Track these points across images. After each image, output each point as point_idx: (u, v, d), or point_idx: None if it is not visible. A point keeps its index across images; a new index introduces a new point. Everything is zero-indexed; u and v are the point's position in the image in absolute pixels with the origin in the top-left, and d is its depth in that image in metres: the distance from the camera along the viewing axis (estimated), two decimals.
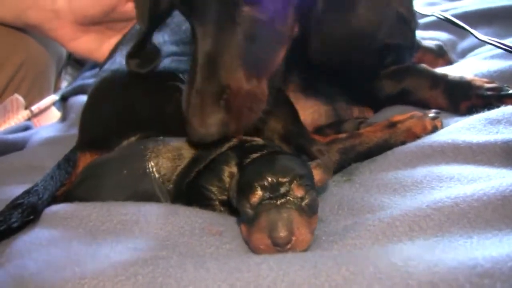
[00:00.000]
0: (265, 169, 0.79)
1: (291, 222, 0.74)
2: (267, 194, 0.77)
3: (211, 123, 0.90)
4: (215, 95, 0.91)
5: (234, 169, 0.89)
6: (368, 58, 1.11)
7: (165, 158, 0.94)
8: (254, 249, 0.77)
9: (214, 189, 0.90)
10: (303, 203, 0.77)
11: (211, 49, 0.93)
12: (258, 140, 0.94)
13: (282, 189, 0.77)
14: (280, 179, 0.77)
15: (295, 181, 0.78)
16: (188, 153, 0.95)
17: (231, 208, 0.88)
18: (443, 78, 1.20)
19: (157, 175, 0.93)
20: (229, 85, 0.92)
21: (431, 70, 1.25)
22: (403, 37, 1.27)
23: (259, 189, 0.77)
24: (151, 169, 0.93)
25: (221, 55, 0.93)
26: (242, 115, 0.93)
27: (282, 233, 0.73)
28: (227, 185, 0.89)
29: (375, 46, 1.09)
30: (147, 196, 0.93)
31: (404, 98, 1.21)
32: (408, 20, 1.29)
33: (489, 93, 1.13)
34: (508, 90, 1.12)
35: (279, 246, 0.74)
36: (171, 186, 0.93)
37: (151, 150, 0.95)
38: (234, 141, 0.93)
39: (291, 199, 0.77)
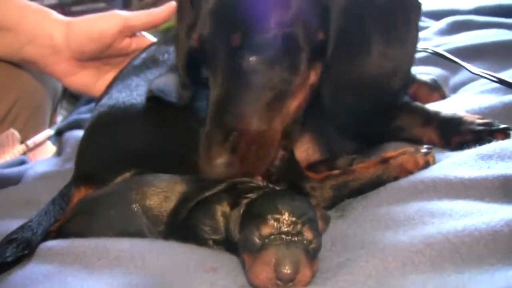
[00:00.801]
0: (281, 205, 0.80)
1: (298, 261, 0.75)
2: (279, 229, 0.77)
3: (216, 164, 0.93)
4: (222, 138, 0.95)
5: (227, 208, 0.89)
6: (382, 106, 1.10)
7: (152, 201, 0.94)
8: (253, 279, 0.77)
9: (207, 228, 0.90)
10: (310, 247, 0.78)
11: (220, 96, 0.98)
12: (251, 181, 0.94)
13: (295, 229, 0.78)
14: (295, 219, 0.78)
15: (307, 224, 0.79)
16: (174, 193, 0.95)
17: (225, 247, 0.89)
18: (436, 115, 1.22)
19: (144, 220, 0.93)
20: (235, 128, 0.96)
21: (425, 107, 1.26)
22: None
23: (272, 221, 0.78)
24: (138, 213, 0.94)
25: (229, 102, 0.97)
26: (249, 157, 0.95)
27: (289, 270, 0.74)
28: (220, 224, 0.89)
29: (390, 96, 1.08)
30: (138, 235, 0.93)
31: (397, 135, 1.22)
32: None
33: (480, 128, 1.14)
34: (499, 125, 1.14)
35: (282, 282, 0.74)
36: (162, 227, 0.93)
37: (136, 193, 0.95)
38: (224, 184, 0.93)
39: (300, 239, 0.78)
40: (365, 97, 1.04)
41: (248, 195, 0.88)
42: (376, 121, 1.19)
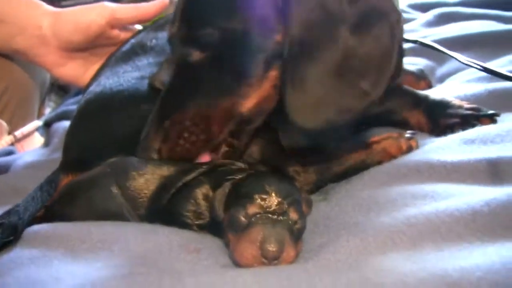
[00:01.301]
0: (269, 185, 0.81)
1: (283, 239, 0.76)
2: (265, 209, 0.79)
3: (148, 151, 0.99)
4: (157, 127, 1.00)
5: (209, 191, 0.90)
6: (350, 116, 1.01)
7: (132, 184, 0.94)
8: (238, 258, 0.78)
9: (189, 214, 0.90)
10: (295, 227, 0.79)
11: (168, 89, 1.02)
12: (233, 164, 0.95)
13: (281, 209, 0.79)
14: (281, 199, 0.79)
15: (293, 205, 0.80)
16: (155, 177, 0.95)
17: (209, 230, 0.89)
18: (425, 98, 1.24)
19: (123, 201, 0.94)
20: (171, 119, 0.99)
21: (414, 91, 1.28)
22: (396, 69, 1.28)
23: (259, 201, 0.79)
24: (117, 195, 0.94)
25: (173, 95, 1.01)
26: (179, 147, 0.98)
27: (274, 248, 0.75)
28: (203, 209, 0.90)
29: (361, 104, 0.99)
30: (119, 218, 0.94)
31: (386, 117, 1.23)
32: (402, 50, 1.32)
33: (468, 112, 1.16)
34: (486, 111, 1.15)
35: (267, 259, 0.75)
36: (143, 211, 0.94)
37: (116, 175, 0.96)
38: (204, 167, 0.94)
39: (286, 219, 0.79)
40: (330, 104, 0.97)
41: (231, 177, 0.89)
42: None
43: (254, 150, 1.05)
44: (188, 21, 1.00)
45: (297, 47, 0.94)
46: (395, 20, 0.98)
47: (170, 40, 1.04)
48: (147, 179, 0.94)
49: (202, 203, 0.90)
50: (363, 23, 0.96)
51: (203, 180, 0.92)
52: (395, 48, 0.98)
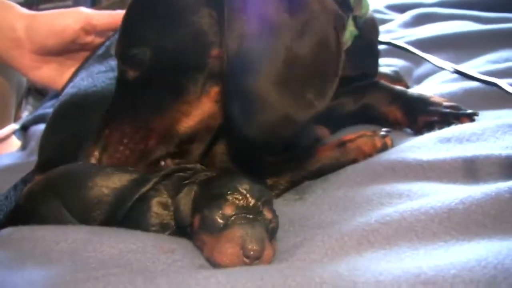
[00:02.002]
0: (241, 185, 0.81)
1: (263, 238, 0.76)
2: (241, 209, 0.78)
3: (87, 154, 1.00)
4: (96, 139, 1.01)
5: (168, 199, 0.89)
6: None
7: (79, 201, 0.92)
8: (219, 258, 0.77)
9: (155, 228, 0.88)
10: (270, 226, 0.79)
11: (112, 102, 1.03)
12: (188, 167, 0.93)
13: (256, 208, 0.79)
14: (256, 199, 0.79)
15: (267, 204, 0.80)
16: (106, 192, 0.91)
17: (179, 234, 0.88)
18: (403, 93, 1.24)
19: (72, 219, 0.92)
20: (107, 132, 1.00)
21: (391, 86, 1.27)
22: (369, 66, 1.29)
23: (235, 201, 0.79)
24: (64, 213, 0.92)
25: (116, 108, 1.02)
26: (115, 157, 0.99)
27: (257, 247, 0.75)
28: (167, 218, 0.88)
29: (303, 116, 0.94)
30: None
31: (363, 114, 1.23)
32: (375, 50, 1.32)
33: (447, 110, 1.16)
34: (465, 110, 1.16)
35: (249, 259, 0.75)
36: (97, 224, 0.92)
37: (59, 192, 0.94)
38: (159, 175, 0.91)
39: (261, 219, 0.79)
40: (274, 120, 0.93)
41: (189, 180, 0.88)
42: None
43: (220, 153, 1.05)
44: (124, 39, 1.01)
45: (236, 60, 0.91)
46: (341, 26, 0.97)
47: (115, 52, 1.04)
48: (97, 194, 0.91)
49: (164, 213, 0.89)
50: (306, 31, 0.93)
51: (159, 189, 0.90)
52: (341, 54, 0.95)
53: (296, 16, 0.93)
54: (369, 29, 1.26)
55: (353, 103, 1.23)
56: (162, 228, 0.88)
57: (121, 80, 1.01)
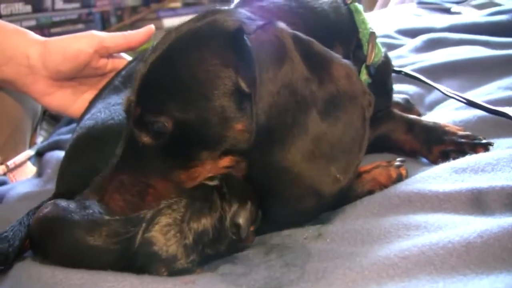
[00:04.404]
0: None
1: None
2: None
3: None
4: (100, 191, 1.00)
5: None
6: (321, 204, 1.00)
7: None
8: None
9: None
10: None
11: (117, 159, 1.01)
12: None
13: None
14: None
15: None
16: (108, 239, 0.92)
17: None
18: (418, 122, 1.25)
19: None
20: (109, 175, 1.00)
21: (406, 115, 1.29)
22: (382, 103, 1.26)
23: None
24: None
25: (120, 167, 1.00)
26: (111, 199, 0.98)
27: None
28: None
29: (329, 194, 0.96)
30: None
31: (379, 144, 1.24)
32: (388, 90, 1.32)
33: (462, 140, 1.17)
34: (481, 139, 1.17)
35: None
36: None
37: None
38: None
39: None
40: (297, 195, 0.96)
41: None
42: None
43: None
44: (143, 103, 0.98)
45: (265, 134, 0.92)
46: (367, 104, 0.98)
47: (125, 110, 1.03)
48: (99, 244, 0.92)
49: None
50: (332, 108, 0.95)
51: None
52: (367, 131, 0.97)
53: (324, 92, 0.95)
54: (382, 71, 1.25)
55: (369, 134, 1.22)
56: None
57: (131, 141, 1.00)
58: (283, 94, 0.92)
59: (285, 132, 0.92)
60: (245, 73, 0.93)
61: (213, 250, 0.92)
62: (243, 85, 0.93)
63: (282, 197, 0.95)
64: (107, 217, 0.93)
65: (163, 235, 0.87)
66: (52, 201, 1.03)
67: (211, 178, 0.95)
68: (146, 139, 0.97)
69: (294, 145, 0.92)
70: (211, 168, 0.97)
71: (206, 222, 0.89)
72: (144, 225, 0.88)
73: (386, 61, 1.29)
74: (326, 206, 1.01)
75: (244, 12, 1.02)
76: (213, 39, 0.97)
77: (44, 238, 0.95)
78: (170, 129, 0.94)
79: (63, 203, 0.99)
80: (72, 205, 0.98)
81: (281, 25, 0.97)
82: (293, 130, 0.92)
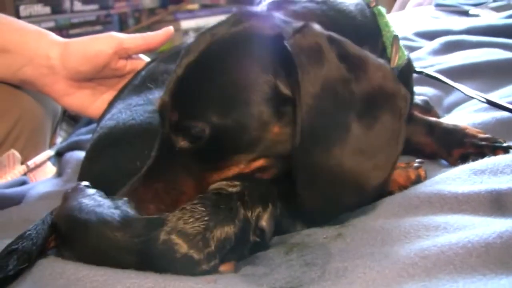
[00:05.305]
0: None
1: None
2: None
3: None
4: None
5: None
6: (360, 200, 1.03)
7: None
8: None
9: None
10: None
11: (151, 164, 1.02)
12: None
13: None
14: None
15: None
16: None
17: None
18: (438, 125, 1.25)
19: None
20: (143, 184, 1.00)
21: (426, 118, 1.30)
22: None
23: None
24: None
25: (154, 171, 1.01)
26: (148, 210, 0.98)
27: None
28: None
29: (369, 191, 0.99)
30: None
31: None
32: (410, 91, 1.31)
33: (482, 143, 1.17)
34: (501, 142, 1.17)
35: None
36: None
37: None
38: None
39: None
40: (340, 192, 0.97)
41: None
42: None
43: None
44: (180, 107, 0.98)
45: (308, 136, 0.93)
46: (403, 101, 0.99)
47: (160, 109, 1.03)
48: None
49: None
50: (371, 107, 0.96)
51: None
52: (404, 129, 0.98)
53: (362, 92, 0.96)
54: (404, 73, 1.24)
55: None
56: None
57: (166, 142, 1.00)
58: (324, 96, 0.93)
59: (327, 133, 0.94)
60: (286, 78, 0.94)
61: (236, 254, 0.92)
62: (283, 89, 0.94)
63: (325, 195, 0.97)
64: (132, 217, 0.94)
65: (186, 242, 0.88)
66: (78, 185, 1.05)
67: (231, 184, 0.96)
68: (183, 143, 0.97)
69: (336, 145, 0.93)
70: (243, 169, 0.97)
71: (229, 230, 0.89)
72: (166, 229, 0.89)
73: (408, 63, 1.30)
74: (366, 200, 1.03)
75: (279, 15, 1.02)
76: (252, 45, 0.97)
77: (69, 229, 0.96)
78: (207, 134, 0.94)
79: (89, 190, 1.01)
80: (98, 194, 1.00)
81: (317, 27, 0.98)
82: (335, 131, 0.94)
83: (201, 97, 0.97)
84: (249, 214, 0.92)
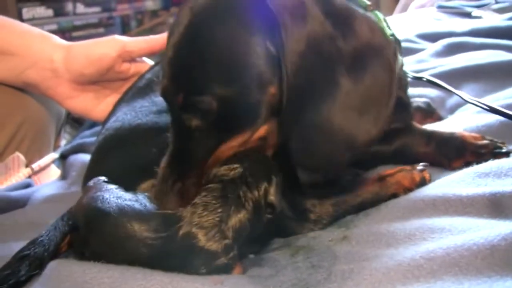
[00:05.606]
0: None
1: None
2: None
3: (163, 202, 0.99)
4: (169, 186, 1.00)
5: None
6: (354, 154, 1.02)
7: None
8: None
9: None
10: None
11: (171, 150, 1.02)
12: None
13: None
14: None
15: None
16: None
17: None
18: (435, 135, 1.24)
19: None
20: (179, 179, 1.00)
21: (423, 128, 1.28)
22: (400, 120, 1.25)
23: None
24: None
25: (177, 156, 1.01)
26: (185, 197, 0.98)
27: None
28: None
29: (362, 145, 1.00)
30: None
31: (398, 157, 1.23)
32: (406, 104, 1.31)
33: (482, 151, 1.17)
34: (501, 148, 1.16)
35: None
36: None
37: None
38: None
39: None
40: (332, 148, 0.99)
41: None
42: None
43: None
44: (183, 87, 0.98)
45: (296, 94, 0.94)
46: (392, 53, 1.00)
47: (163, 95, 1.04)
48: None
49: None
50: (359, 61, 0.97)
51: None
52: (394, 81, 0.99)
53: (350, 47, 0.97)
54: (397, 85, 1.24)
55: (387, 148, 1.23)
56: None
57: (181, 127, 1.00)
58: (310, 53, 0.94)
59: (315, 90, 0.95)
60: (272, 37, 0.95)
61: (250, 239, 0.95)
62: (271, 48, 0.95)
63: (316, 154, 0.97)
64: (151, 211, 0.96)
65: (204, 235, 0.89)
66: (98, 179, 1.06)
67: (231, 168, 0.96)
68: (195, 121, 0.97)
69: (325, 102, 0.95)
70: (248, 138, 0.99)
71: (242, 217, 0.91)
72: (183, 225, 0.90)
73: (401, 77, 1.29)
74: (359, 156, 1.03)
75: None
76: (234, 8, 0.98)
77: (88, 218, 0.97)
78: (216, 106, 0.95)
79: (110, 185, 1.03)
80: (119, 189, 1.02)
81: None
82: (323, 87, 0.95)
83: (200, 72, 0.97)
84: (256, 195, 0.93)
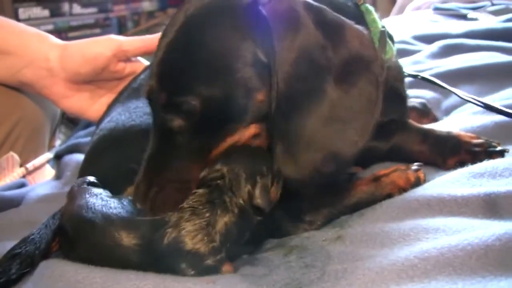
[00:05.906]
0: None
1: None
2: None
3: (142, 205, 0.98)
4: (146, 190, 0.99)
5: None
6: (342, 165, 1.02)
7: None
8: None
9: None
10: None
11: (151, 152, 1.01)
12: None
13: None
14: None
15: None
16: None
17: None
18: (431, 133, 1.24)
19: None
20: (156, 183, 0.99)
21: (419, 125, 1.28)
22: (397, 112, 1.26)
23: None
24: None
25: (156, 158, 1.01)
26: (162, 203, 0.97)
27: None
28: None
29: (348, 155, 0.98)
30: None
31: (394, 155, 1.23)
32: (403, 96, 1.31)
33: (477, 149, 1.17)
34: (495, 147, 1.17)
35: None
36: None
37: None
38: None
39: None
40: (317, 159, 0.96)
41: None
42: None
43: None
44: (167, 87, 0.98)
45: (284, 102, 0.94)
46: (379, 68, 0.99)
47: (148, 96, 1.03)
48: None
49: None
50: (347, 73, 0.97)
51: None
52: (380, 95, 0.98)
53: (339, 58, 0.97)
54: (394, 75, 1.25)
55: (383, 145, 1.23)
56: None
57: (162, 129, 1.00)
58: (300, 62, 0.94)
59: (303, 99, 0.95)
60: (263, 44, 0.95)
61: (240, 241, 0.94)
62: (261, 55, 0.95)
63: (300, 163, 0.96)
64: (136, 217, 0.95)
65: (191, 239, 0.88)
66: (83, 181, 1.06)
67: (215, 170, 0.95)
68: (177, 122, 0.97)
69: (312, 111, 0.94)
70: (239, 138, 0.98)
71: (229, 222, 0.90)
72: (170, 229, 0.90)
73: (399, 68, 1.30)
74: (344, 169, 1.04)
75: None
76: (227, 13, 0.98)
77: (75, 227, 0.97)
78: (198, 107, 0.95)
79: (96, 189, 1.02)
80: (104, 193, 1.01)
81: None
82: (311, 97, 0.95)
83: (186, 73, 0.97)
84: (241, 200, 0.92)
